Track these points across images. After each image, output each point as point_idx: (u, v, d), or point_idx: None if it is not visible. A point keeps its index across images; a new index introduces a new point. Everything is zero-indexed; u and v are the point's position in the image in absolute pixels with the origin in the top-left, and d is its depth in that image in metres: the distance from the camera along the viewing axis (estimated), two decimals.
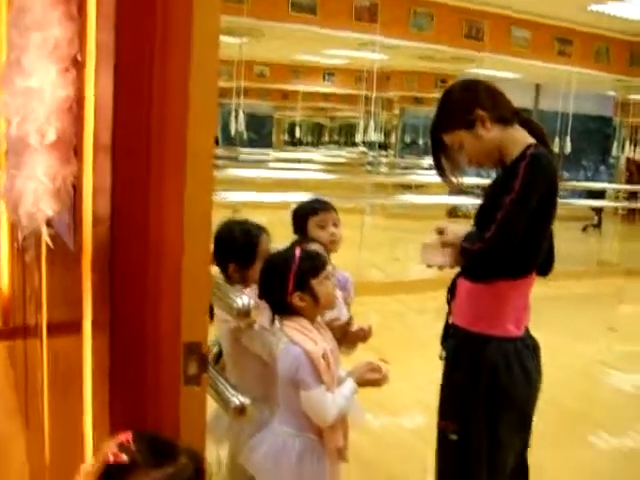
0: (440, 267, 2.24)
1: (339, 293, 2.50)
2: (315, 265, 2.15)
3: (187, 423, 1.34)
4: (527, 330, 2.28)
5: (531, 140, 2.14)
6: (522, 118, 2.22)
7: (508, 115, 2.16)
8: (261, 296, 2.17)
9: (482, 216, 2.20)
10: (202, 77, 1.21)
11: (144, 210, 1.27)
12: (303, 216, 2.70)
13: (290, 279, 2.10)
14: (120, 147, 1.30)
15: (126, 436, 1.21)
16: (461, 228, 2.22)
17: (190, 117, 1.21)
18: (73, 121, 1.64)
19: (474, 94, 2.16)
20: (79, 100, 1.60)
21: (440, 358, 2.33)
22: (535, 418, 2.32)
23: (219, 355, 2.67)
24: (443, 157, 2.26)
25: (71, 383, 1.71)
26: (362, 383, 2.17)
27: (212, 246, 2.40)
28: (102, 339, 1.41)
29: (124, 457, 1.17)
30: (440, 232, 2.22)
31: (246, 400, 1.58)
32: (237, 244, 2.39)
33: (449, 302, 2.33)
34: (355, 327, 2.40)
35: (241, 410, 1.59)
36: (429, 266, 2.26)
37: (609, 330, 6.44)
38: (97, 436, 1.51)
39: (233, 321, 2.13)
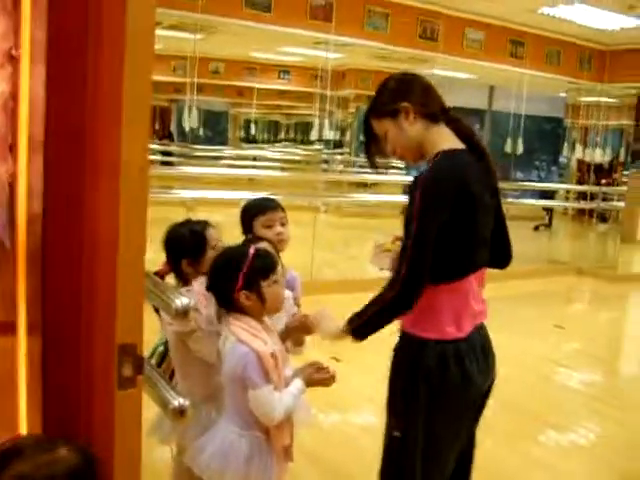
0: (390, 271, 2.23)
1: (289, 293, 2.49)
2: (266, 266, 2.15)
3: (122, 425, 1.31)
4: (478, 329, 2.28)
5: (449, 143, 2.15)
6: (452, 117, 2.22)
7: (435, 113, 2.17)
8: (209, 288, 2.19)
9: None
10: (136, 73, 1.19)
11: (78, 209, 1.25)
12: (250, 216, 2.69)
13: (240, 277, 2.10)
14: (53, 144, 1.28)
15: (10, 438, 1.29)
16: (329, 324, 2.25)
17: (124, 113, 1.19)
18: (9, 118, 1.60)
19: (406, 87, 2.18)
20: (15, 96, 1.56)
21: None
22: (484, 413, 2.34)
23: (164, 354, 2.65)
24: (373, 143, 2.28)
25: (2, 386, 1.67)
26: (310, 383, 2.19)
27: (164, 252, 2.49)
28: (34, 340, 1.38)
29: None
30: (397, 240, 2.23)
31: (185, 402, 1.56)
32: (186, 241, 2.45)
33: None
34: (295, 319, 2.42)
35: (180, 412, 1.57)
36: (381, 269, 2.30)
37: (557, 328, 6.55)
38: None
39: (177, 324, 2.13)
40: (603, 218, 11.21)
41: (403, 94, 2.15)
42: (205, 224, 2.52)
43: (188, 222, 2.57)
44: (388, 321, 2.12)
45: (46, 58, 1.24)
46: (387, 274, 2.22)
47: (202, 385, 2.37)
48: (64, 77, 1.24)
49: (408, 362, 2.19)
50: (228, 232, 2.64)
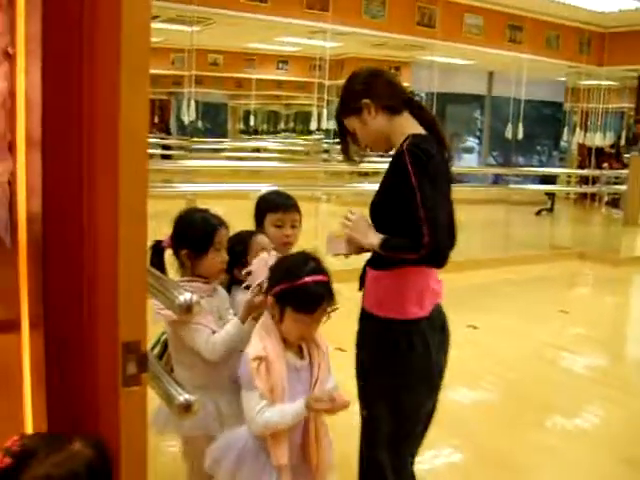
0: (346, 256, 2.37)
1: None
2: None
3: (128, 423, 1.31)
4: (437, 308, 2.36)
5: (413, 130, 2.24)
6: (415, 106, 2.34)
7: (396, 105, 2.30)
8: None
9: (379, 210, 2.29)
10: (133, 67, 1.18)
11: (77, 207, 1.24)
12: (262, 211, 2.64)
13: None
14: (51, 142, 1.27)
15: (12, 440, 1.23)
16: (363, 232, 2.28)
17: (122, 108, 1.18)
18: (7, 116, 1.59)
19: (366, 85, 2.31)
20: (12, 94, 1.55)
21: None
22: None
23: (165, 348, 2.63)
24: (347, 137, 2.41)
25: (5, 385, 1.66)
26: (313, 410, 2.11)
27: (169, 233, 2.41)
28: (37, 338, 1.37)
29: (7, 460, 1.19)
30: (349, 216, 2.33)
31: (191, 397, 1.56)
32: (194, 231, 2.35)
33: (360, 287, 2.40)
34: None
35: (186, 407, 1.57)
36: (335, 255, 2.37)
37: (561, 313, 6.54)
38: None
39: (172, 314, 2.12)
40: (615, 204, 11.14)
41: (365, 92, 2.29)
42: (221, 222, 2.40)
43: (206, 211, 2.44)
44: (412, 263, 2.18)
45: (42, 54, 1.23)
46: (344, 259, 2.40)
47: (196, 375, 2.33)
48: (60, 73, 1.23)
49: (374, 343, 2.28)
50: (231, 224, 2.61)
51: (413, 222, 2.08)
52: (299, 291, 2.08)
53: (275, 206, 2.62)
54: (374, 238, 2.22)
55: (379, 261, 2.28)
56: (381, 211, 2.28)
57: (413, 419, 2.36)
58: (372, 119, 2.29)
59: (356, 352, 2.38)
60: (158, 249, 2.38)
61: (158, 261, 2.38)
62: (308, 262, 2.14)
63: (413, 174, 2.10)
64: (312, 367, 2.18)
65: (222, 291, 2.49)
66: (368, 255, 2.36)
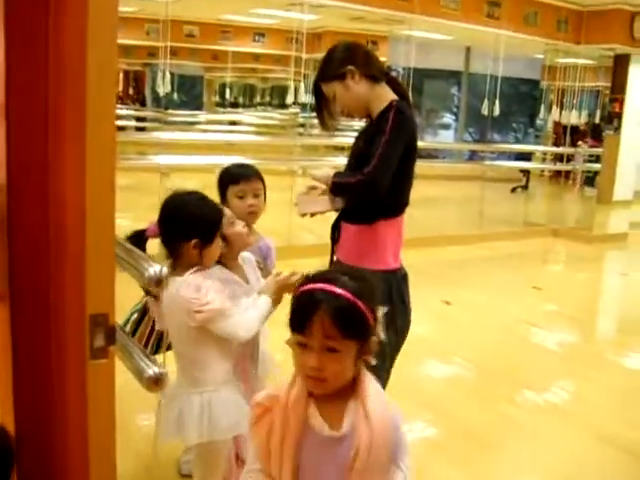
0: (312, 215, 2.51)
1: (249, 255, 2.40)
2: None
3: (95, 395, 1.29)
4: (400, 261, 2.57)
5: (395, 96, 2.47)
6: (390, 78, 2.56)
7: (377, 74, 2.49)
8: None
9: (357, 161, 2.46)
10: (101, 31, 1.14)
11: (43, 176, 1.21)
12: (223, 185, 2.62)
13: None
14: (15, 109, 1.23)
15: None
16: (330, 172, 2.51)
17: (88, 75, 1.15)
18: None
19: (350, 53, 2.48)
20: None
21: None
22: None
23: (139, 322, 2.61)
24: (323, 107, 2.56)
25: None
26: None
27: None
28: (2, 311, 1.35)
29: None
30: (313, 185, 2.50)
31: (160, 370, 1.55)
32: (204, 221, 2.19)
33: (334, 241, 2.57)
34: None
35: (156, 380, 1.56)
36: (303, 215, 2.51)
37: (534, 289, 6.61)
38: (2, 411, 1.45)
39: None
40: (589, 182, 11.23)
41: (347, 59, 2.45)
42: (222, 208, 2.31)
43: (206, 198, 2.28)
44: (350, 196, 2.44)
45: (4, 20, 1.18)
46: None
47: (222, 368, 2.22)
48: (25, 40, 1.18)
49: None
50: None
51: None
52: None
53: (235, 178, 2.60)
54: (332, 171, 2.49)
55: (356, 215, 2.46)
56: (360, 162, 2.41)
57: (388, 366, 2.51)
58: (355, 85, 2.45)
59: None
60: (140, 239, 2.20)
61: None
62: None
63: (391, 123, 2.34)
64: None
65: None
66: (335, 215, 2.55)
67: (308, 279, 1.49)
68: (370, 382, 1.44)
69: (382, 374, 2.38)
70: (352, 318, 1.37)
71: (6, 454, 1.19)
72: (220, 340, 2.14)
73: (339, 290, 1.37)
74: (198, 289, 2.03)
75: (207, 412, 2.12)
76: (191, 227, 2.15)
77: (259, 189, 2.63)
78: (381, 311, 1.46)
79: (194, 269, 2.11)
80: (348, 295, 1.37)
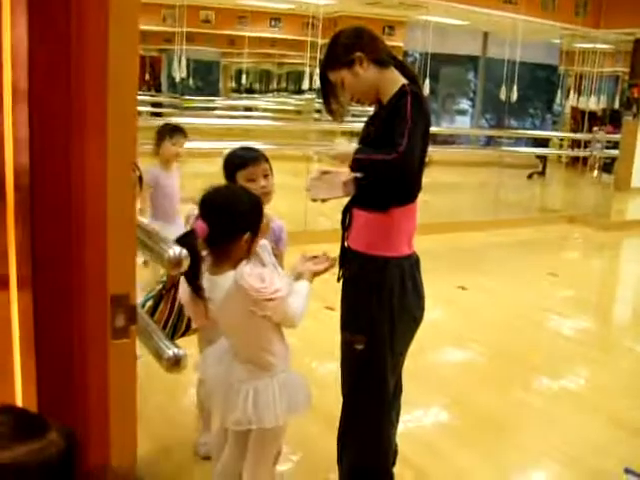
0: (324, 200, 2.46)
1: (265, 242, 2.42)
2: None
3: (117, 375, 1.32)
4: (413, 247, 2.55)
5: (404, 80, 2.40)
6: (398, 62, 2.49)
7: (385, 58, 2.43)
8: None
9: (370, 145, 2.39)
10: (122, 19, 1.16)
11: (65, 160, 1.23)
12: (232, 170, 2.62)
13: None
14: (38, 95, 1.24)
15: None
16: (345, 144, 2.50)
17: (110, 60, 1.16)
18: None
19: (356, 39, 2.43)
20: None
21: (338, 279, 2.55)
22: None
23: (154, 310, 2.63)
24: (331, 95, 2.51)
25: None
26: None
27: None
28: (26, 293, 1.37)
29: None
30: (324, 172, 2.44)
31: (180, 351, 1.57)
32: (254, 211, 2.17)
33: (345, 227, 2.53)
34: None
35: (175, 361, 1.58)
36: (314, 200, 2.47)
37: (550, 276, 6.59)
38: (25, 392, 1.48)
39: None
40: (607, 168, 11.13)
41: (354, 45, 2.40)
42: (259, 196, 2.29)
43: (244, 189, 2.30)
44: (376, 174, 2.33)
45: (27, 6, 1.20)
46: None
47: (285, 352, 2.25)
48: (47, 24, 1.20)
49: (373, 279, 2.41)
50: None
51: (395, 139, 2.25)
52: None
53: (244, 162, 2.61)
54: (352, 147, 2.40)
55: (368, 202, 2.41)
56: (373, 146, 2.37)
57: (402, 351, 2.54)
58: (364, 71, 2.40)
59: (353, 290, 2.49)
60: (191, 241, 2.00)
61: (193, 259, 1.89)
62: None
63: (410, 109, 2.26)
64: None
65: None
66: (346, 200, 2.50)
67: None
68: None
69: (387, 356, 2.44)
70: None
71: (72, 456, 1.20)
72: (277, 325, 2.18)
73: None
74: (263, 279, 2.03)
75: (285, 394, 2.17)
76: (244, 222, 2.11)
77: (267, 170, 2.65)
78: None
79: (245, 262, 2.09)
80: None
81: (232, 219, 2.11)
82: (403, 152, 2.22)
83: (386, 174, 2.30)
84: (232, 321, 2.18)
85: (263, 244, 2.37)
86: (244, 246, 2.10)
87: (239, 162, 2.62)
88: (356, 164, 2.33)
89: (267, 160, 2.67)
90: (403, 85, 2.36)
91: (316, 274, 2.25)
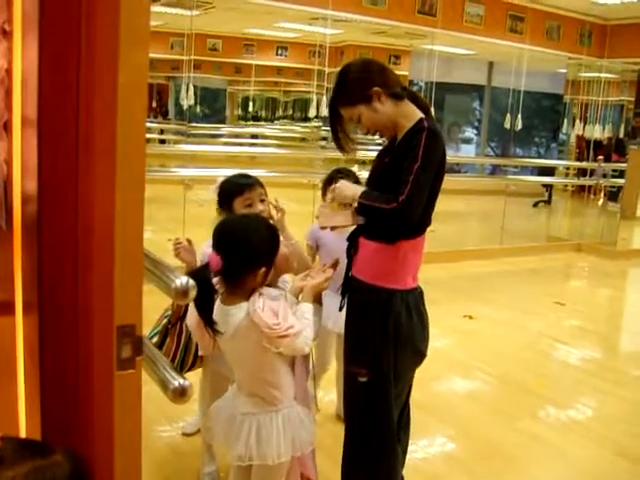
0: (333, 228, 2.47)
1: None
2: None
3: (122, 407, 1.30)
4: (417, 280, 2.54)
5: (421, 114, 2.41)
6: (410, 93, 2.48)
7: (399, 92, 2.42)
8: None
9: (381, 179, 2.41)
10: (132, 49, 1.16)
11: (73, 188, 1.22)
12: (228, 197, 2.64)
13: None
14: (47, 122, 1.25)
15: None
16: (350, 187, 2.43)
17: (120, 90, 1.16)
18: (4, 94, 1.56)
19: (370, 73, 2.41)
20: (10, 72, 1.52)
21: (340, 308, 2.56)
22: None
23: (159, 347, 2.61)
24: (339, 129, 2.50)
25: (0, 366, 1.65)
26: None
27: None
28: (31, 322, 1.36)
29: None
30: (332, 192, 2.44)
31: (186, 382, 1.55)
32: (270, 245, 2.14)
33: (351, 256, 2.50)
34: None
35: (181, 392, 1.56)
36: (323, 228, 2.48)
37: (557, 304, 6.55)
38: (29, 421, 1.47)
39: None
40: (613, 197, 11.10)
41: (370, 80, 2.38)
42: (275, 226, 2.28)
43: (260, 220, 2.26)
44: (377, 220, 2.34)
45: (39, 32, 1.20)
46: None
47: (291, 386, 2.22)
48: (57, 52, 1.20)
49: (378, 311, 2.39)
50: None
51: (400, 183, 2.24)
52: None
53: (240, 189, 2.64)
54: (358, 190, 2.38)
55: (376, 233, 2.39)
56: (384, 180, 2.37)
57: (404, 383, 2.52)
58: (381, 106, 2.39)
59: (356, 321, 2.47)
60: (205, 276, 1.96)
61: (206, 293, 1.98)
62: None
63: (423, 147, 2.26)
64: None
65: None
66: (351, 229, 2.50)
67: None
68: None
69: (390, 388, 2.41)
70: None
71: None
72: (287, 357, 2.14)
73: None
74: (275, 313, 2.00)
75: (289, 430, 2.13)
76: (260, 256, 2.06)
77: (263, 194, 2.68)
78: None
79: (257, 294, 2.05)
80: None
81: (248, 253, 2.05)
82: (403, 202, 2.23)
83: (386, 222, 2.33)
84: (241, 354, 2.15)
85: (284, 280, 2.36)
86: (259, 280, 2.06)
87: (237, 189, 2.64)
88: (359, 208, 2.35)
89: (262, 185, 2.70)
90: (421, 119, 2.36)
91: (317, 289, 2.23)
